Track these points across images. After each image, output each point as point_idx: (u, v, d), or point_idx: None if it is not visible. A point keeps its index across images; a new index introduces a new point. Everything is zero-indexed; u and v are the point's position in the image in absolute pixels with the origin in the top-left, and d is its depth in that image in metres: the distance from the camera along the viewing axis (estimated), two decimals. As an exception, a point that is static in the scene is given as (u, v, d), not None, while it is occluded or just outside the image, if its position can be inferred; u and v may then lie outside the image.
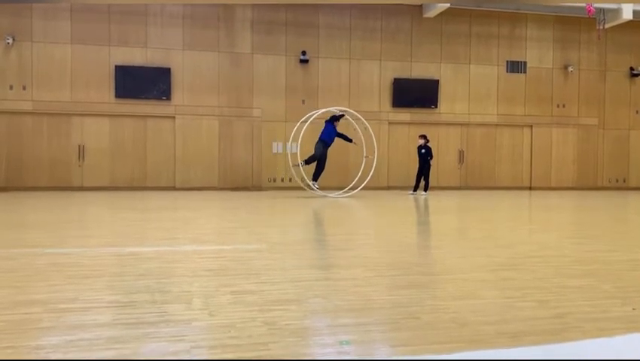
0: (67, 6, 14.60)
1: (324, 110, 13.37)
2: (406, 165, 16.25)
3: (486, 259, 4.68)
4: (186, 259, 4.60)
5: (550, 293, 3.41)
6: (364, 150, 13.42)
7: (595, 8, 15.67)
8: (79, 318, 2.79)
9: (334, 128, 12.63)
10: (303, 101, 15.79)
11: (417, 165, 14.36)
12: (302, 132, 12.61)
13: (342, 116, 12.83)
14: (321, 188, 12.91)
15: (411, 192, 14.29)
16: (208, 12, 15.41)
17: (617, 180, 18.22)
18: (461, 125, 17.12)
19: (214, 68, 15.51)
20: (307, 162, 12.50)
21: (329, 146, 12.67)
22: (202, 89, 15.44)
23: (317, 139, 12.64)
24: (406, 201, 11.92)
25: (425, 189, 14.23)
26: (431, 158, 14.27)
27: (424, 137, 14.27)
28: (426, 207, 10.85)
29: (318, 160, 12.53)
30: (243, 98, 15.66)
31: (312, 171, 12.67)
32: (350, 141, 12.97)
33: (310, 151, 12.77)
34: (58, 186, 14.60)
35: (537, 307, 3.07)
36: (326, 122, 12.74)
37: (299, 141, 12.59)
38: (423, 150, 14.16)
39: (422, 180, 14.25)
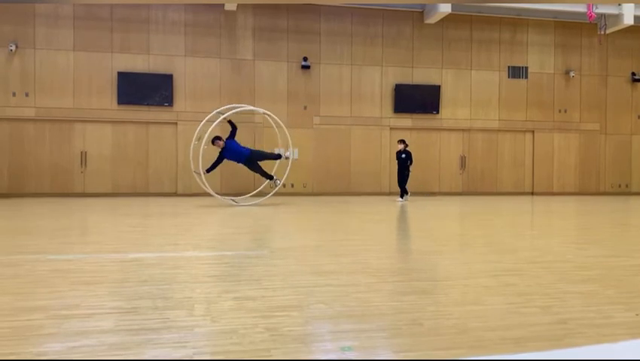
0: (70, 13, 14.67)
1: (211, 114, 12.64)
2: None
3: (489, 264, 4.67)
4: (188, 265, 4.60)
5: (553, 299, 3.40)
6: (279, 141, 13.20)
7: (596, 14, 15.68)
8: (81, 324, 2.80)
9: (230, 140, 12.16)
10: (305, 107, 15.81)
11: (410, 172, 13.98)
12: (201, 148, 11.85)
13: (218, 138, 12.14)
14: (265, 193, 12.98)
15: (399, 199, 13.93)
16: (209, 19, 15.47)
17: (620, 186, 18.18)
18: (463, 130, 17.12)
19: (216, 74, 15.55)
20: (270, 176, 12.49)
21: (250, 152, 12.34)
22: (204, 95, 15.47)
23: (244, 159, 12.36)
24: (406, 208, 11.91)
25: (402, 195, 13.86)
26: (411, 163, 13.92)
27: (403, 141, 14.05)
28: (427, 213, 10.84)
29: (256, 167, 12.49)
30: (245, 104, 15.66)
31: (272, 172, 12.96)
32: (234, 127, 12.31)
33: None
34: (60, 192, 14.61)
35: (540, 313, 3.07)
36: (226, 141, 12.13)
37: (201, 146, 11.94)
38: (403, 155, 13.91)
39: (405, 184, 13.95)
